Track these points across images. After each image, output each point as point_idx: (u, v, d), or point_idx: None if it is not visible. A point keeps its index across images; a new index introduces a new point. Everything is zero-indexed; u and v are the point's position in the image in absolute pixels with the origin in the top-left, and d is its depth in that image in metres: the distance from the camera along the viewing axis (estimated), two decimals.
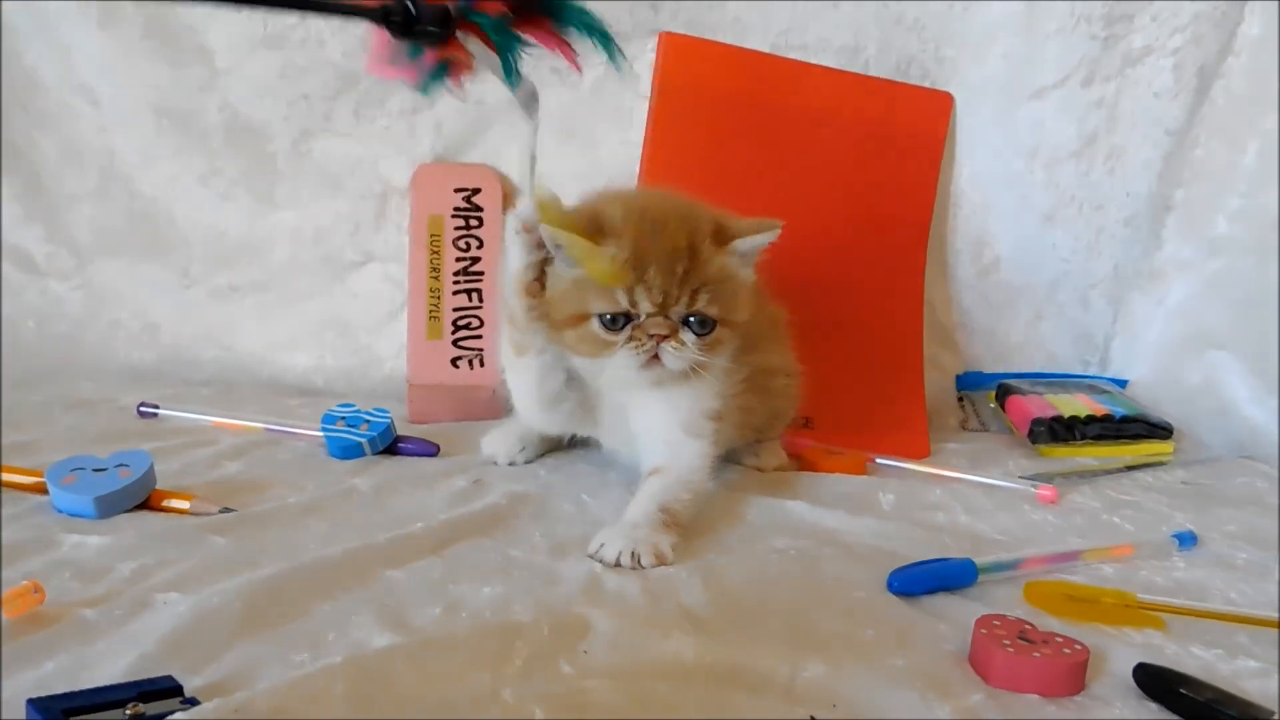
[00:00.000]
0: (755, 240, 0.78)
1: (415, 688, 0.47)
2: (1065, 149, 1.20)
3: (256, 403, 1.07)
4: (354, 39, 1.14)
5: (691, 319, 0.75)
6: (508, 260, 0.78)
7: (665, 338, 0.74)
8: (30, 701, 0.41)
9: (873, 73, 1.20)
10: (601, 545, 0.69)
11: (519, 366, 0.82)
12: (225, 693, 0.45)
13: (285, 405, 1.08)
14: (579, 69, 0.63)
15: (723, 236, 0.77)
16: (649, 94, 1.16)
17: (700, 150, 1.16)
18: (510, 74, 0.57)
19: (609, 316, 0.74)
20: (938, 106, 1.22)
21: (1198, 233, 1.19)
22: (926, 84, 1.21)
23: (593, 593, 0.62)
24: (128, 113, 1.15)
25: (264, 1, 0.52)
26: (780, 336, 0.94)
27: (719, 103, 1.17)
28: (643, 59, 1.16)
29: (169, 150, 1.16)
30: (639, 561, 0.68)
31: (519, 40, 0.55)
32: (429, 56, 0.55)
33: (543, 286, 0.77)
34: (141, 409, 0.99)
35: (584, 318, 0.75)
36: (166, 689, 0.44)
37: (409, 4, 0.53)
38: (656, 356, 0.74)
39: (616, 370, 0.76)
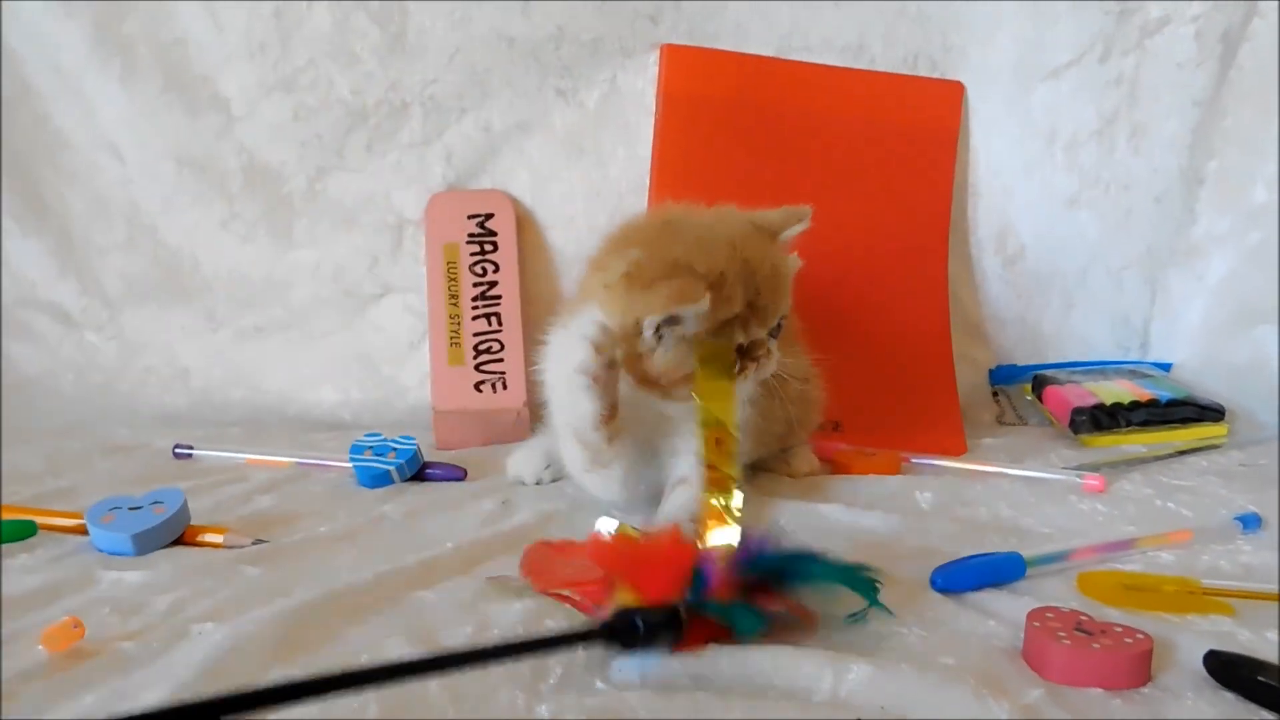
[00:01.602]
0: (793, 230, 0.80)
1: (449, 707, 0.47)
2: (1086, 129, 1.18)
3: (286, 440, 1.08)
4: (362, 75, 1.16)
5: (773, 331, 0.77)
6: (576, 407, 0.75)
7: (764, 355, 0.75)
8: None
9: (879, 68, 1.19)
10: None
11: (601, 476, 0.80)
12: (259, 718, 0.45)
13: (314, 440, 1.09)
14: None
15: (771, 233, 0.79)
16: (654, 108, 1.17)
17: (710, 161, 1.17)
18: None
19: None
20: (949, 97, 1.21)
21: (1234, 204, 1.16)
22: (935, 75, 1.20)
23: None
24: (150, 164, 1.19)
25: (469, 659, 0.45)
26: (793, 342, 0.93)
27: (726, 111, 1.17)
28: (646, 74, 1.18)
29: (190, 198, 1.19)
30: None
31: (762, 618, 0.52)
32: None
33: (615, 411, 0.75)
34: (177, 450, 1.01)
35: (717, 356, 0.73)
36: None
37: (634, 619, 0.49)
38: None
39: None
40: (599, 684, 0.50)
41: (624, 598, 0.52)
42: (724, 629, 0.52)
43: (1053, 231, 1.21)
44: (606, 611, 0.51)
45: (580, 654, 0.52)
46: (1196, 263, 1.19)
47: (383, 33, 1.15)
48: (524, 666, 0.51)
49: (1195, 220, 1.18)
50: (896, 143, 1.19)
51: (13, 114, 1.18)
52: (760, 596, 0.54)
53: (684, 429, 0.78)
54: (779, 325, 0.77)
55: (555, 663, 0.51)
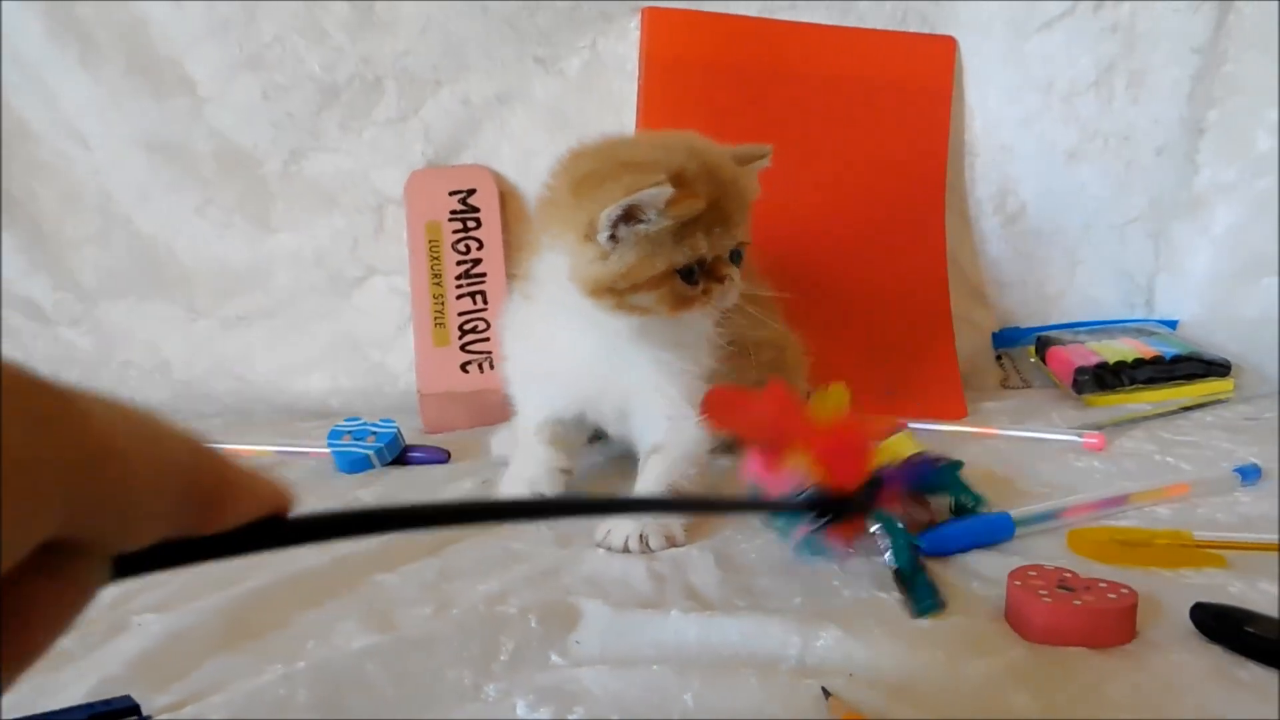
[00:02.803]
0: (756, 164, 0.77)
1: (389, 689, 0.44)
2: (1082, 80, 1.14)
3: (273, 430, 1.06)
4: (331, 51, 1.13)
5: (734, 254, 0.73)
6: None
7: (727, 275, 0.71)
8: None
9: (868, 25, 1.15)
10: (608, 532, 0.66)
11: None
12: (190, 705, 0.42)
13: (301, 429, 1.06)
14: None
15: (741, 159, 0.75)
16: (638, 74, 1.13)
17: (697, 127, 1.12)
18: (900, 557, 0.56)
19: (689, 270, 0.70)
20: (941, 52, 1.17)
21: (1238, 152, 1.13)
22: (926, 30, 1.16)
23: (595, 581, 0.58)
24: (119, 152, 1.16)
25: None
26: (769, 308, 0.88)
27: (711, 75, 1.13)
28: (627, 38, 1.14)
29: (162, 185, 1.16)
30: (648, 545, 0.64)
31: (938, 601, 0.54)
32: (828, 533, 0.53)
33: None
34: None
35: (664, 278, 0.69)
36: (122, 709, 0.41)
37: (834, 501, 0.52)
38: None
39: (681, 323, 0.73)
40: (554, 658, 0.47)
41: (797, 461, 0.53)
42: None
43: (1053, 188, 1.18)
44: (781, 474, 0.53)
45: (535, 629, 0.49)
46: (1201, 214, 1.15)
47: (351, 5, 1.12)
48: (474, 644, 0.47)
49: (1198, 171, 1.14)
50: (888, 102, 1.16)
51: None
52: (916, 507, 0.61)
53: (653, 387, 0.75)
54: (739, 253, 0.73)
55: (507, 638, 0.48)
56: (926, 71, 1.17)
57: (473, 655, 0.47)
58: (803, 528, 0.52)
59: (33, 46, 1.12)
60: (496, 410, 1.08)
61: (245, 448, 0.96)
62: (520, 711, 0.42)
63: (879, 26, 1.15)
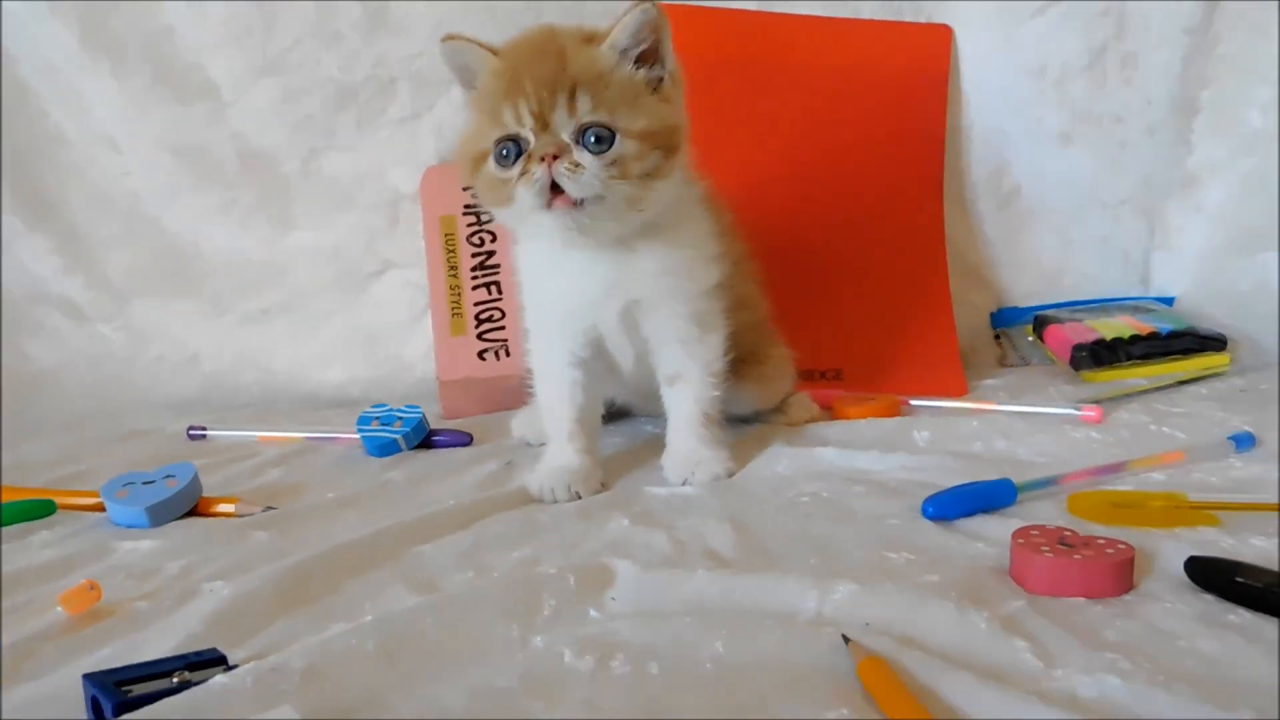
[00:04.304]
0: (625, 25, 0.71)
1: (445, 640, 0.49)
2: (1075, 64, 1.17)
3: (296, 419, 1.10)
4: (347, 53, 1.17)
5: (587, 136, 0.68)
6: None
7: (555, 158, 0.67)
8: (86, 676, 0.44)
9: (864, 16, 1.18)
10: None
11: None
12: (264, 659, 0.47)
13: (324, 417, 1.11)
14: None
15: (591, 36, 0.72)
16: None
17: (698, 117, 1.15)
18: None
19: (503, 149, 0.69)
20: (936, 40, 1.20)
21: (1229, 131, 1.15)
22: (921, 19, 1.19)
23: (620, 546, 0.62)
24: (146, 155, 1.21)
25: None
26: (743, 272, 0.89)
27: (709, 67, 1.16)
28: None
29: (188, 186, 1.21)
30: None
31: None
32: None
33: None
34: (191, 432, 1.03)
35: (483, 156, 0.71)
36: (211, 659, 0.46)
37: None
38: (557, 189, 0.68)
39: (528, 224, 0.73)
40: (592, 613, 0.52)
41: None
42: None
43: (1047, 169, 1.20)
44: None
45: (573, 587, 0.54)
46: (1194, 192, 1.18)
47: (365, 9, 1.16)
48: (518, 602, 0.52)
49: (1191, 150, 1.17)
50: (886, 90, 1.18)
51: (11, 114, 1.21)
52: None
53: (661, 306, 0.77)
54: (605, 140, 0.69)
55: (549, 596, 0.53)
56: (922, 60, 1.19)
57: (518, 611, 0.51)
58: None
59: (67, 56, 1.17)
60: (512, 395, 1.12)
61: (278, 435, 1.01)
62: (567, 659, 0.46)
63: (875, 17, 1.18)
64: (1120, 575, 0.52)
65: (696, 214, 0.80)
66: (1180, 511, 0.63)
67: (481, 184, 0.74)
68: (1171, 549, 0.56)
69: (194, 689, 0.43)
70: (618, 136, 0.69)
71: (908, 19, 1.19)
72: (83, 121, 1.20)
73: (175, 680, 0.44)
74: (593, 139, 0.68)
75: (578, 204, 0.69)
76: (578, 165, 0.68)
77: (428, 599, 0.54)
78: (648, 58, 0.73)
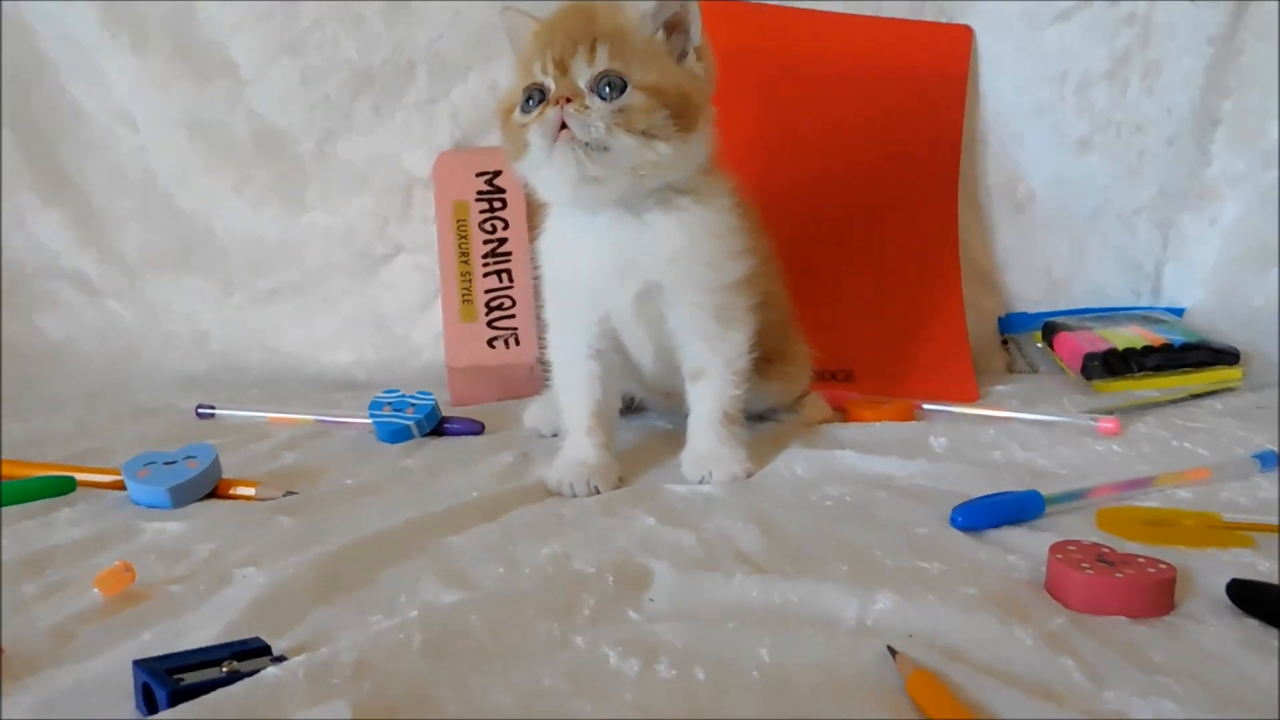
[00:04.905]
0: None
1: (488, 638, 0.49)
2: (1096, 70, 1.16)
3: (304, 399, 1.10)
4: (367, 36, 1.16)
5: (602, 86, 0.71)
6: None
7: (568, 100, 0.70)
8: (136, 663, 0.44)
9: (886, 14, 1.18)
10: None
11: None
12: (309, 650, 0.47)
13: (332, 399, 1.11)
14: None
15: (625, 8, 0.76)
16: None
17: (718, 111, 1.17)
18: None
19: (528, 97, 0.73)
20: (957, 41, 1.20)
21: (1250, 143, 1.15)
22: (943, 19, 1.19)
23: (647, 544, 0.63)
24: (163, 132, 1.20)
25: None
26: (770, 270, 0.90)
27: (730, 62, 1.15)
28: None
29: (202, 164, 1.21)
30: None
31: None
32: None
33: None
34: (200, 410, 1.03)
35: (513, 107, 0.75)
36: (256, 649, 0.46)
37: None
38: (566, 128, 0.70)
39: (541, 176, 0.75)
40: (631, 614, 0.52)
41: None
42: None
43: (1063, 176, 1.20)
44: None
45: (611, 587, 0.55)
46: (1210, 205, 1.17)
47: None
48: (558, 600, 0.53)
49: (1210, 161, 1.17)
50: (905, 90, 1.18)
51: (30, 87, 1.19)
52: None
53: (686, 307, 0.78)
54: (617, 87, 0.71)
55: (588, 595, 0.54)
56: (942, 60, 1.19)
57: (558, 610, 0.52)
58: None
59: (87, 32, 1.15)
60: (521, 383, 1.13)
61: (288, 416, 1.01)
62: (612, 661, 0.47)
63: (897, 16, 1.18)
64: (1162, 595, 0.52)
65: (722, 204, 0.80)
66: (1214, 531, 0.62)
67: (507, 135, 0.77)
68: (1209, 570, 0.56)
69: (246, 680, 0.43)
70: (629, 87, 0.72)
71: (929, 18, 1.19)
72: (101, 97, 1.19)
73: (224, 670, 0.44)
74: (606, 88, 0.71)
75: (583, 147, 0.71)
76: (586, 108, 0.71)
77: (467, 595, 0.54)
78: (674, 26, 0.76)
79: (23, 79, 1.19)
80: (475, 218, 1.20)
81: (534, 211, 1.19)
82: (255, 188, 1.21)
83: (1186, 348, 1.08)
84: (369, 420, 0.95)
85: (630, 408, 0.96)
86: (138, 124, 1.20)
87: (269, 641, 0.48)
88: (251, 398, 1.11)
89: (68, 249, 1.22)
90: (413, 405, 0.96)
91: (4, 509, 0.70)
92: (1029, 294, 1.24)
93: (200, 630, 0.50)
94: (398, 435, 0.93)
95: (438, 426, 0.96)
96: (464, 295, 1.19)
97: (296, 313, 1.24)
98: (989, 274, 1.24)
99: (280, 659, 0.46)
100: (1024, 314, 1.23)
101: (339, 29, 1.16)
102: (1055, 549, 0.56)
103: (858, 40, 1.18)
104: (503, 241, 1.20)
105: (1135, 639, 0.49)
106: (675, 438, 0.85)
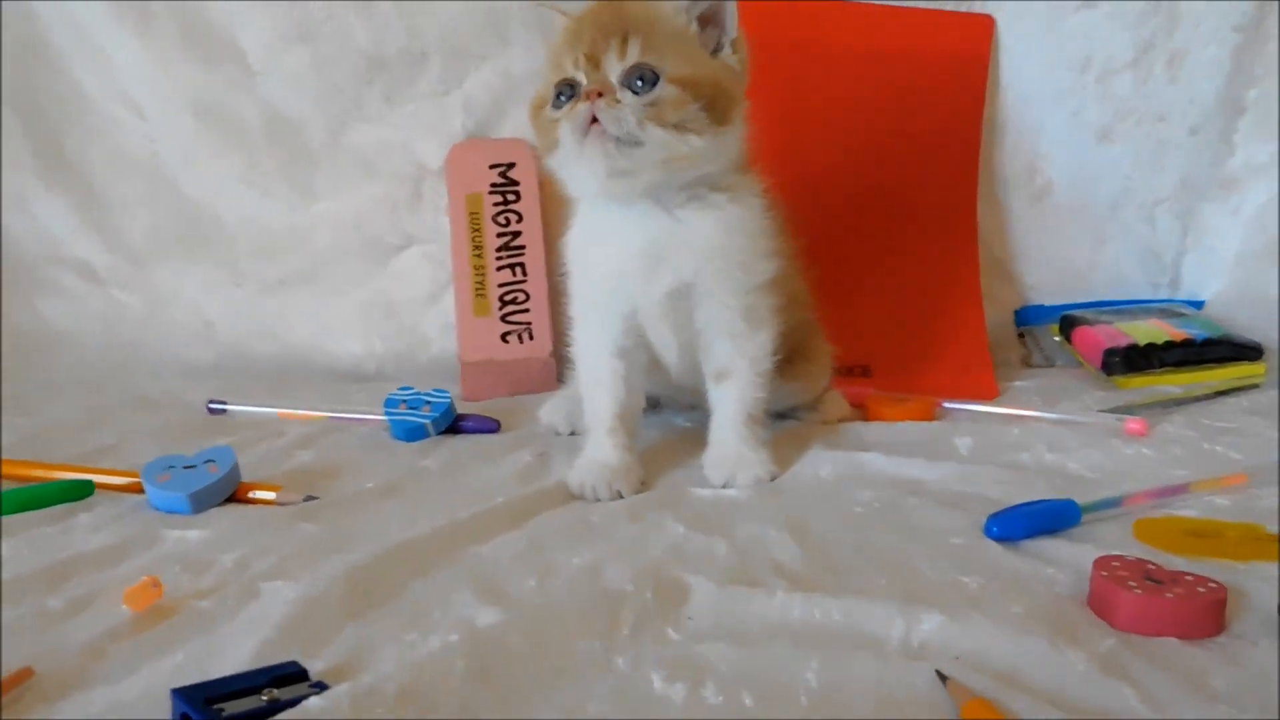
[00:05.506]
0: None
1: (531, 659, 0.48)
2: (1120, 59, 1.15)
3: (313, 392, 1.09)
4: (380, 24, 1.14)
5: (633, 80, 0.71)
6: None
7: (599, 95, 0.70)
8: (175, 692, 0.43)
9: (908, 3, 1.17)
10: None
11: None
12: (345, 674, 0.46)
13: (342, 392, 1.10)
14: None
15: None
16: None
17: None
18: None
19: (560, 93, 0.73)
20: (979, 30, 1.18)
21: (1274, 133, 1.13)
22: (965, 8, 1.17)
23: (680, 554, 0.62)
24: (169, 118, 1.18)
25: None
26: (795, 269, 0.89)
27: (752, 50, 1.15)
28: None
29: (210, 151, 1.18)
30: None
31: None
32: None
33: None
34: (211, 406, 1.01)
35: (544, 102, 0.75)
36: (293, 674, 0.45)
37: None
38: (596, 122, 0.70)
39: (571, 170, 0.75)
40: (671, 633, 0.51)
41: None
42: None
43: (1083, 166, 1.19)
44: None
45: (650, 602, 0.54)
46: (1233, 195, 1.16)
47: None
48: (598, 617, 0.52)
49: (1233, 151, 1.15)
50: (925, 78, 1.16)
51: (33, 71, 1.17)
52: None
53: (715, 307, 0.77)
54: (648, 81, 0.70)
55: (627, 612, 0.53)
56: (964, 49, 1.18)
57: (597, 628, 0.51)
58: None
59: (92, 13, 1.12)
60: (535, 379, 1.12)
61: (301, 413, 0.99)
62: (657, 685, 0.45)
63: (919, 4, 1.17)
64: (1214, 616, 0.51)
65: (754, 204, 0.79)
66: (1260, 544, 0.61)
67: (538, 131, 0.77)
68: (1259, 587, 0.55)
69: (289, 711, 0.42)
70: (661, 80, 0.71)
71: (950, 7, 1.17)
72: (106, 81, 1.16)
73: (265, 699, 0.43)
74: (638, 81, 0.71)
75: (614, 142, 0.71)
76: (618, 102, 0.70)
77: (504, 612, 0.53)
78: (708, 20, 0.75)
79: (26, 62, 1.16)
80: (489, 211, 1.18)
81: (549, 204, 1.19)
82: (264, 175, 1.19)
83: (1208, 343, 1.06)
84: (384, 418, 0.93)
85: (652, 407, 0.95)
86: (143, 109, 1.17)
87: (304, 661, 0.47)
88: (260, 390, 1.10)
89: (72, 235, 1.20)
90: (429, 403, 0.95)
91: (22, 514, 0.69)
92: (1046, 285, 1.22)
93: (233, 649, 0.49)
94: (413, 434, 0.92)
95: (453, 424, 0.95)
96: (477, 289, 1.17)
97: (305, 303, 1.22)
98: (1006, 265, 1.23)
99: (319, 685, 0.45)
100: (1041, 306, 1.21)
101: (352, 17, 1.13)
102: (1099, 564, 0.54)
103: (880, 28, 1.16)
104: (516, 235, 1.18)
105: (1191, 663, 0.48)
106: (693, 436, 0.85)
